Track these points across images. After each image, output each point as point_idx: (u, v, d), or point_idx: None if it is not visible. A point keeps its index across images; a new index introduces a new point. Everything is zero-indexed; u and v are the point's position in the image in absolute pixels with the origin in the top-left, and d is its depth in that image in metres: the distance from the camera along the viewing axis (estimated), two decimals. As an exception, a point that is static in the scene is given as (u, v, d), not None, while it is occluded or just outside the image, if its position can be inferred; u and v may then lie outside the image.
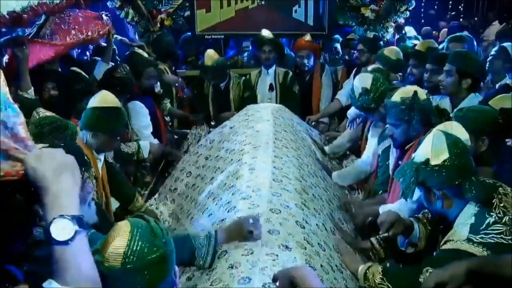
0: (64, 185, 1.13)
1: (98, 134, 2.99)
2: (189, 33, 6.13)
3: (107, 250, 1.40)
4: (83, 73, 3.80)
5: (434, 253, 2.27)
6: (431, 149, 2.11)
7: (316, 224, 2.57)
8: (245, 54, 6.26)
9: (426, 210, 2.51)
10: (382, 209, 2.91)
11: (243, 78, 5.31)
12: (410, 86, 3.15)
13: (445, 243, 2.10)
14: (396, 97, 2.90)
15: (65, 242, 1.08)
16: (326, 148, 4.36)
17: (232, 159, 3.21)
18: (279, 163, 3.01)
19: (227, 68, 5.28)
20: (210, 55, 5.05)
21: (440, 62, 3.60)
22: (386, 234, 2.42)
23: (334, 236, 2.70)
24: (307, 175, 3.19)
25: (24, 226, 1.34)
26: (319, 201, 2.97)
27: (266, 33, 5.21)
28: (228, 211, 2.45)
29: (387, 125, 3.35)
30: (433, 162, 2.09)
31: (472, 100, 3.27)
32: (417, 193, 2.44)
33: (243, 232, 2.12)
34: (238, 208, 2.41)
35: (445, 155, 2.06)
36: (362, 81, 3.49)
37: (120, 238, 1.41)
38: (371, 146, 3.68)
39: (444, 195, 2.13)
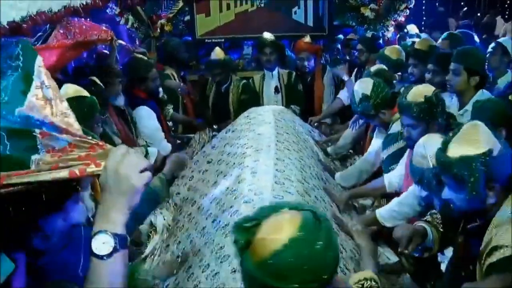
0: (120, 203, 1.16)
1: None
2: (189, 38, 6.14)
3: None
4: (101, 83, 3.80)
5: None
6: (481, 140, 1.94)
7: (319, 226, 2.56)
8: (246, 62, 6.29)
9: (434, 211, 2.47)
10: (379, 214, 2.89)
11: (243, 81, 5.28)
12: (424, 84, 3.07)
13: (492, 251, 1.87)
14: (414, 96, 2.81)
15: (101, 257, 1.11)
16: (329, 149, 4.35)
17: (234, 163, 3.21)
18: (281, 165, 3.00)
19: (231, 69, 5.30)
20: (217, 53, 5.09)
21: (443, 63, 3.59)
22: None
23: (337, 237, 2.69)
24: (310, 177, 3.19)
25: (22, 234, 1.34)
26: (322, 203, 2.97)
27: (267, 35, 5.21)
28: (231, 215, 2.45)
29: (391, 130, 3.36)
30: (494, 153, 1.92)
31: (480, 97, 3.25)
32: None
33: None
34: (241, 211, 2.41)
35: (498, 145, 1.93)
36: (362, 86, 3.43)
37: None
38: (374, 146, 3.67)
39: (500, 188, 1.96)
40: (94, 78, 3.82)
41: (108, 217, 1.15)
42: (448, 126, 2.83)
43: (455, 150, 1.95)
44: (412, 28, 7.20)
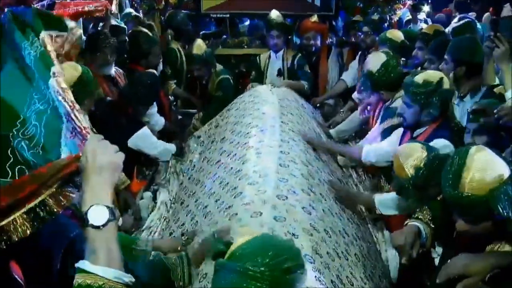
0: (102, 180, 1.28)
1: None
2: (193, 12, 6.05)
3: None
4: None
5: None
6: (496, 167, 1.83)
7: (323, 210, 2.57)
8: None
9: (425, 207, 2.46)
10: (378, 199, 2.90)
11: (221, 77, 4.85)
12: (433, 71, 3.10)
13: None
14: (420, 77, 2.88)
15: (98, 227, 1.22)
16: (332, 131, 4.33)
17: (238, 142, 3.19)
18: (286, 147, 3.00)
19: (212, 63, 4.91)
20: (197, 47, 4.82)
21: (436, 51, 3.63)
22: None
23: (340, 222, 2.71)
24: (313, 159, 3.19)
25: None
26: (325, 186, 2.97)
27: (274, 15, 5.02)
28: (235, 197, 2.44)
29: (393, 104, 3.37)
30: None
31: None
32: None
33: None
34: (245, 194, 2.41)
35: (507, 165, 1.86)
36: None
37: None
38: (378, 129, 3.66)
39: None
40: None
41: (96, 193, 1.26)
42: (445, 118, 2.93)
43: (477, 185, 1.80)
44: (426, 10, 7.10)
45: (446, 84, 2.87)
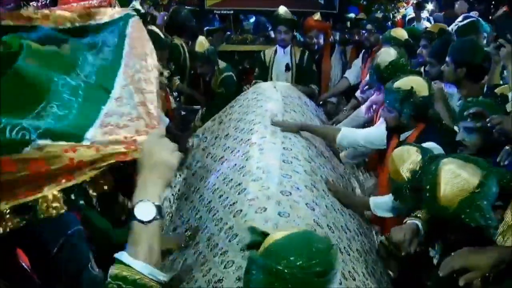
0: (154, 177, 1.32)
1: None
2: (197, 8, 6.06)
3: None
4: None
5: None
6: (467, 176, 1.93)
7: (325, 206, 2.60)
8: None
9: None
10: (373, 202, 2.92)
11: (224, 74, 4.92)
12: (414, 77, 3.08)
13: None
14: (396, 84, 2.93)
15: (143, 222, 1.26)
16: (334, 128, 4.34)
17: (242, 139, 3.21)
18: (289, 144, 3.02)
19: (214, 61, 4.92)
20: (200, 44, 4.81)
21: (439, 55, 3.63)
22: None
23: (342, 217, 2.73)
24: (316, 155, 3.21)
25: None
26: (327, 183, 3.00)
27: (282, 11, 4.94)
28: (239, 193, 2.46)
29: None
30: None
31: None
32: None
33: None
34: (249, 190, 2.43)
35: (479, 171, 1.95)
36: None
37: None
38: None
39: None
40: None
41: (147, 190, 1.30)
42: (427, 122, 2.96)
43: (450, 197, 1.91)
44: (429, 8, 7.09)
45: (422, 91, 2.88)
